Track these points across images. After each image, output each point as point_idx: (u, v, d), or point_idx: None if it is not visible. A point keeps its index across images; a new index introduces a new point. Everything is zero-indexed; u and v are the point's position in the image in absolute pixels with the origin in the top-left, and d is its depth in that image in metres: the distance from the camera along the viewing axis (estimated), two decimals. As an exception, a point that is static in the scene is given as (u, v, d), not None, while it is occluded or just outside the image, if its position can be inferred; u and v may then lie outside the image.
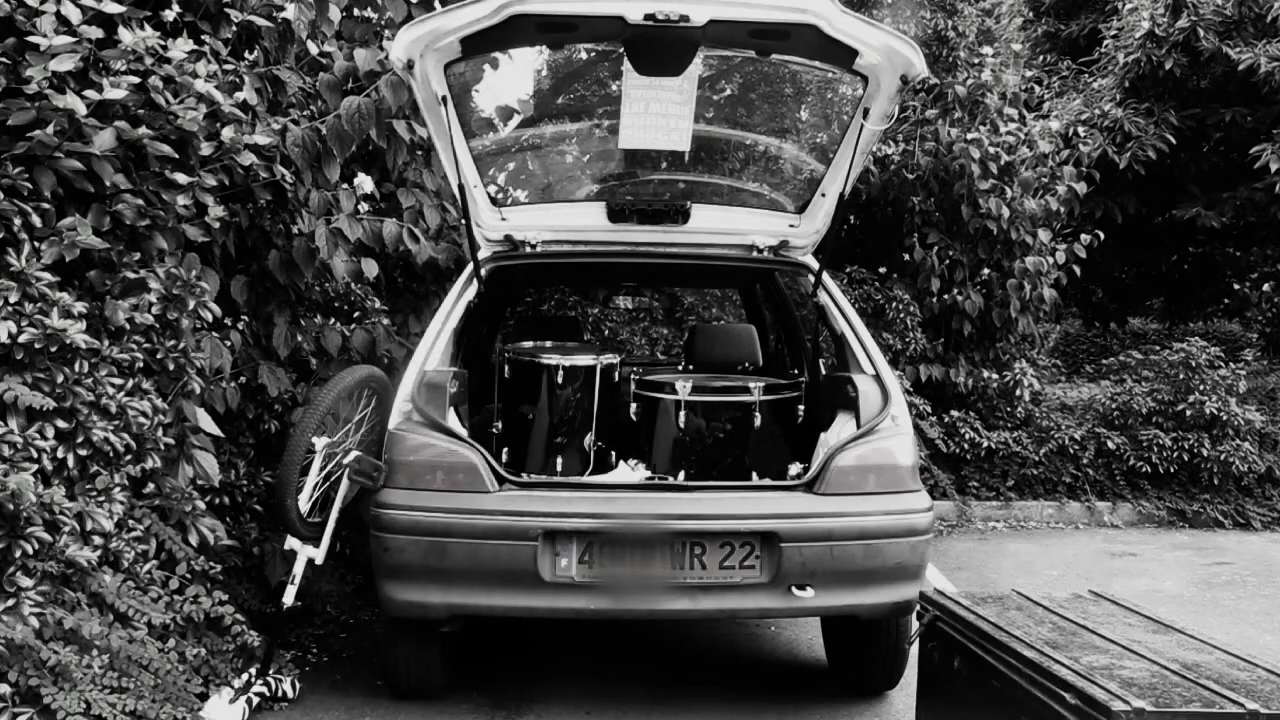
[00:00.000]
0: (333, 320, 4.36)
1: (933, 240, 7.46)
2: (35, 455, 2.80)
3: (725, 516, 3.24)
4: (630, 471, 3.96)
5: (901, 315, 7.30)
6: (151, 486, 3.33)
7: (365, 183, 4.01)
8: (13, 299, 2.82)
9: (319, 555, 3.48)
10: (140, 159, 3.18)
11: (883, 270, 7.70)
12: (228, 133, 3.36)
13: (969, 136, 7.25)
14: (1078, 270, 7.85)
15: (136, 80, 3.08)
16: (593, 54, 4.19)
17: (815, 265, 4.16)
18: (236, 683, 3.34)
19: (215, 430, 3.50)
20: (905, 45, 3.31)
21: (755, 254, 4.24)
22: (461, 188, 3.79)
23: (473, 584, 3.18)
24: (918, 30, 7.90)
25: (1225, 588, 5.65)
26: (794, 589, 3.20)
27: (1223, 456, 7.33)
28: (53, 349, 2.87)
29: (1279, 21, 8.65)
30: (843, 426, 3.59)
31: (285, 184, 3.78)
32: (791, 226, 4.26)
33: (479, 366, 4.52)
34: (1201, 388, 7.50)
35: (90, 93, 2.93)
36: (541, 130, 4.65)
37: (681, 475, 3.80)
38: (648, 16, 3.12)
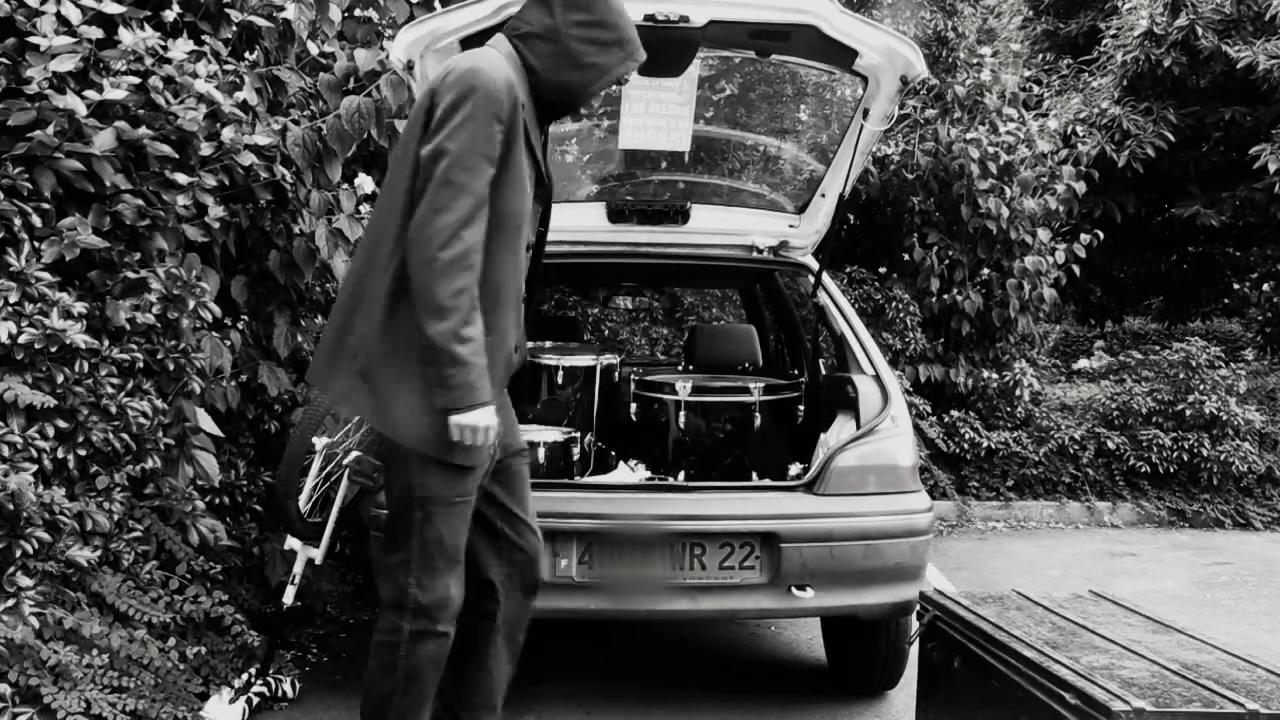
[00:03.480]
0: (333, 320, 4.35)
1: (932, 240, 7.46)
2: (35, 455, 2.80)
3: (725, 517, 3.24)
4: (630, 471, 3.96)
5: (901, 315, 7.30)
6: (151, 487, 3.33)
7: (366, 183, 4.01)
8: (13, 299, 2.82)
9: (319, 555, 3.49)
10: (140, 159, 3.18)
11: (882, 270, 7.70)
12: (228, 133, 3.36)
13: (968, 136, 7.26)
14: (1077, 270, 7.86)
15: (136, 80, 3.08)
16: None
17: (815, 265, 4.16)
18: (236, 683, 3.34)
19: (215, 430, 3.50)
20: (905, 46, 3.31)
21: (755, 254, 4.24)
22: (461, 188, 3.78)
23: (473, 584, 3.17)
24: (917, 31, 7.90)
25: (1225, 588, 5.65)
26: (794, 589, 3.20)
27: (1223, 456, 7.33)
28: (53, 349, 2.87)
29: (1278, 19, 8.66)
30: (842, 427, 3.59)
31: (285, 184, 3.78)
32: (791, 227, 4.26)
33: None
34: (1201, 388, 7.51)
35: (90, 93, 2.93)
36: (541, 130, 4.64)
37: (681, 475, 3.80)
38: (647, 17, 3.12)
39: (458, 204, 2.24)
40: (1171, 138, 9.28)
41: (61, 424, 2.90)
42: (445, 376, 2.26)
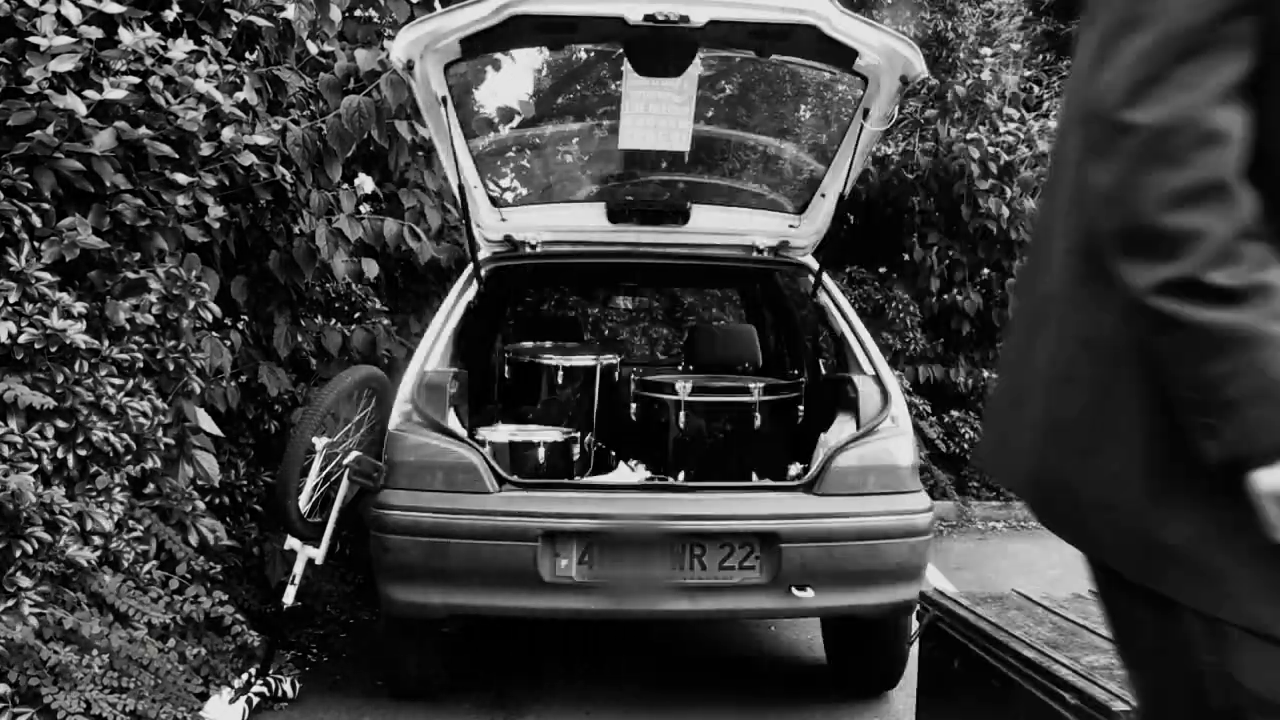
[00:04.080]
0: (333, 320, 4.36)
1: (932, 240, 7.46)
2: (35, 455, 2.80)
3: (725, 517, 3.24)
4: (630, 472, 3.96)
5: (901, 315, 7.30)
6: (151, 486, 3.33)
7: (366, 183, 4.01)
8: (13, 299, 2.82)
9: (319, 555, 3.49)
10: (140, 159, 3.18)
11: (883, 270, 7.70)
12: (228, 133, 3.36)
13: (968, 136, 7.26)
14: (1077, 270, 7.85)
15: (136, 80, 3.08)
16: (592, 54, 4.19)
17: (815, 265, 4.16)
18: (236, 683, 3.34)
19: (215, 430, 3.50)
20: (905, 46, 3.31)
21: (755, 254, 4.24)
22: (461, 188, 3.79)
23: (473, 584, 3.18)
24: (917, 31, 7.90)
25: (1225, 588, 5.64)
26: (794, 589, 3.20)
27: (1222, 456, 7.32)
28: (53, 349, 2.87)
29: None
30: (842, 427, 3.59)
31: (285, 184, 3.78)
32: (791, 227, 4.25)
33: (479, 366, 4.53)
34: (1201, 387, 7.50)
35: (90, 93, 2.93)
36: (541, 130, 4.65)
37: (681, 475, 3.80)
38: (647, 17, 3.13)
39: (1140, 35, 1.12)
40: (1171, 138, 9.29)
41: (61, 424, 2.90)
42: (1198, 380, 1.11)
